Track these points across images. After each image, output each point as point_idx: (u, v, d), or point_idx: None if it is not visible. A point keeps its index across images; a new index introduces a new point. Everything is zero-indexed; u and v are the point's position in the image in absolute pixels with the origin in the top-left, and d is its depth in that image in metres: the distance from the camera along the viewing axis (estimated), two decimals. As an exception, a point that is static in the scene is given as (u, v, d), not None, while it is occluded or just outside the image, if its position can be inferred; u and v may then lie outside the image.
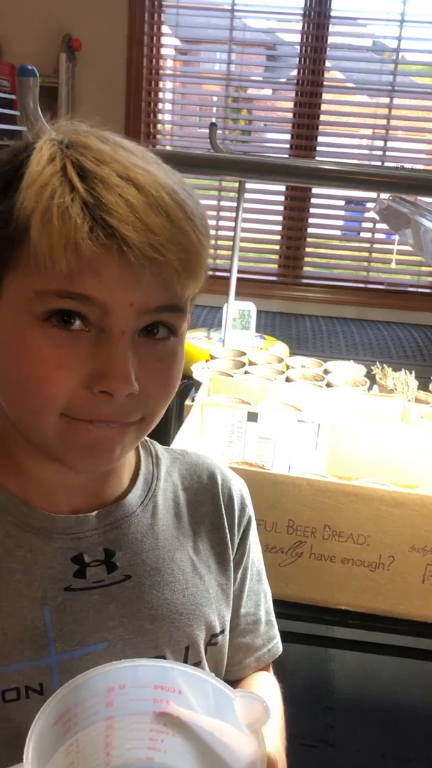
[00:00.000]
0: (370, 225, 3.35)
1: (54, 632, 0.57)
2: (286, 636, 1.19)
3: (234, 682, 0.72)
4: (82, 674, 0.45)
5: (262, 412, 1.35)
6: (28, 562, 0.58)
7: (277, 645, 0.76)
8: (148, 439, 0.68)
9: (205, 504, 0.69)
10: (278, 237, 3.39)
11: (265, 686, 0.73)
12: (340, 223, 3.51)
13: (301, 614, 1.13)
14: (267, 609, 0.76)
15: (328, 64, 3.18)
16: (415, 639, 1.12)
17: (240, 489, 0.73)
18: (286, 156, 3.28)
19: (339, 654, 1.76)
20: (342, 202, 3.41)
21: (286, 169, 1.19)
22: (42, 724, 0.41)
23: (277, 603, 1.14)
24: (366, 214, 3.33)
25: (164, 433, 2.24)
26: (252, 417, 1.35)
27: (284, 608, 1.14)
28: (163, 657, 0.61)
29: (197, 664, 0.64)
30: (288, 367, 1.88)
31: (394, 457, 1.32)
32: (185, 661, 0.63)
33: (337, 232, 3.48)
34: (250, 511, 0.73)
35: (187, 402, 1.74)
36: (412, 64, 3.30)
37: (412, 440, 1.33)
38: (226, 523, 0.69)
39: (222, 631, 0.67)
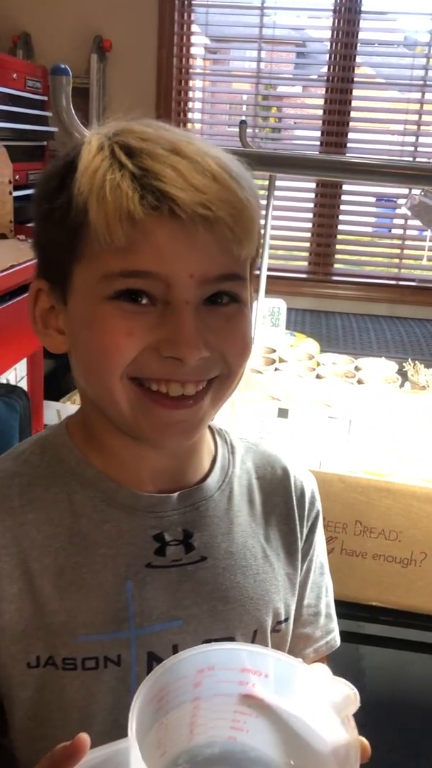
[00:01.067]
0: (401, 221, 3.32)
1: (135, 607, 0.59)
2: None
3: None
4: (174, 656, 0.46)
5: (292, 408, 1.35)
6: (114, 536, 0.61)
7: (335, 638, 0.77)
8: (222, 428, 0.71)
9: (278, 495, 0.70)
10: (309, 234, 3.37)
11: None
12: (371, 219, 3.47)
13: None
14: (327, 602, 0.77)
15: (358, 60, 3.16)
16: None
17: (311, 485, 0.74)
18: (316, 153, 3.26)
19: (370, 651, 1.74)
20: (373, 199, 3.38)
21: (312, 162, 1.19)
22: (140, 703, 0.42)
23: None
24: (397, 210, 3.30)
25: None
26: (282, 413, 1.35)
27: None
28: (233, 639, 0.63)
29: None
30: (318, 364, 1.87)
31: (426, 454, 1.30)
32: None
33: (368, 229, 3.45)
34: (319, 506, 0.75)
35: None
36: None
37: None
38: (297, 516, 0.70)
39: (286, 619, 0.68)
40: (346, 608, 1.12)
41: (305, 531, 0.72)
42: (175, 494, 0.63)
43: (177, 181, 0.51)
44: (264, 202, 2.28)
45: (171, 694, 0.45)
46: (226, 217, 0.52)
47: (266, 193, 2.08)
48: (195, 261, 0.53)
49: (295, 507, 0.71)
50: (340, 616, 1.15)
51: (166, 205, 0.50)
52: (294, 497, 0.71)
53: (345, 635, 1.10)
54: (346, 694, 0.45)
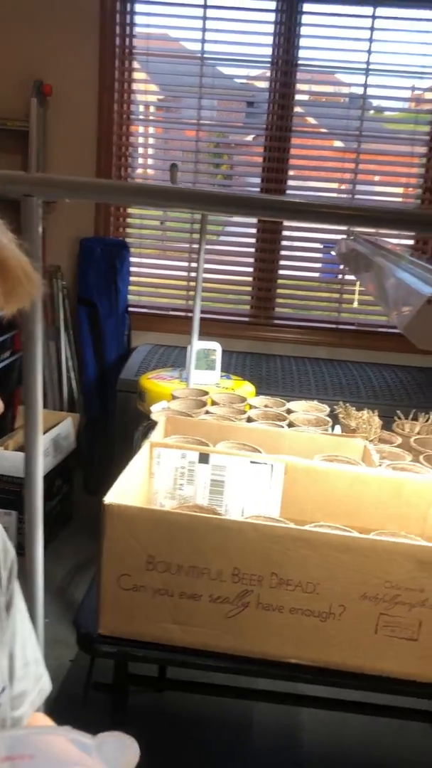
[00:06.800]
0: (340, 266, 3.36)
1: None
2: (246, 693, 1.12)
3: None
4: None
5: (213, 453, 1.30)
6: None
7: (46, 682, 0.72)
8: None
9: None
10: (250, 278, 3.39)
11: None
12: (312, 264, 3.51)
13: (248, 668, 1.07)
14: (33, 647, 0.72)
15: (296, 110, 3.23)
16: (371, 694, 1.05)
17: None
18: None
19: (289, 710, 1.67)
20: (313, 244, 3.43)
21: (237, 201, 1.17)
22: None
23: (225, 657, 1.07)
24: (333, 253, 3.35)
25: (109, 476, 2.19)
26: (204, 458, 1.30)
27: (232, 662, 1.07)
28: None
29: None
30: (250, 407, 1.83)
31: (352, 500, 1.27)
32: None
33: (309, 274, 3.48)
34: (12, 550, 0.71)
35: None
36: (378, 110, 3.36)
37: (372, 482, 1.28)
38: None
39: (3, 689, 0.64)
40: (261, 666, 1.06)
41: (4, 582, 0.68)
42: None
43: None
44: (206, 246, 2.27)
45: None
46: None
47: (210, 238, 2.08)
48: None
49: None
50: (257, 674, 1.08)
51: None
52: None
53: (275, 695, 1.02)
54: (127, 749, 0.40)
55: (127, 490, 1.14)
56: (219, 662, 1.07)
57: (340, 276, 3.39)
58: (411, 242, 3.21)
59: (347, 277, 3.31)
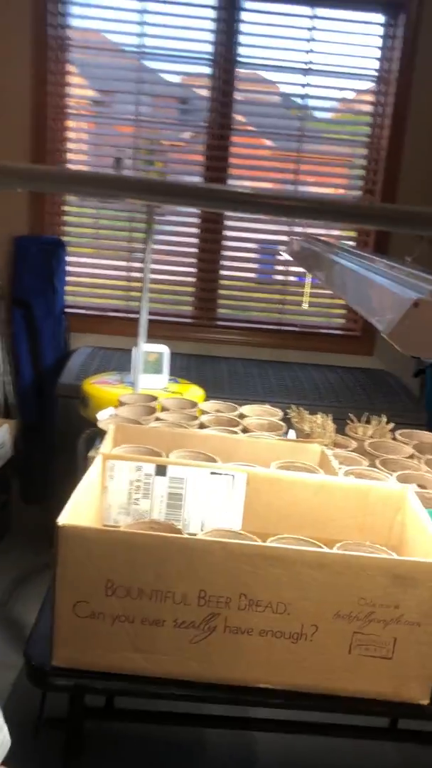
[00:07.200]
0: (282, 268, 3.34)
1: None
2: (200, 719, 1.05)
3: None
4: None
5: (171, 464, 1.23)
6: None
7: (6, 736, 0.65)
8: None
9: None
10: (193, 279, 3.32)
11: None
12: (254, 266, 3.48)
13: (216, 696, 1.00)
14: None
15: (236, 108, 3.19)
16: (345, 716, 1.00)
17: None
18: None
19: (263, 735, 1.61)
20: (254, 245, 3.39)
21: (181, 190, 1.10)
22: None
23: (189, 685, 1.01)
24: (278, 257, 3.32)
25: (48, 484, 2.08)
26: (161, 470, 1.22)
27: (197, 690, 1.00)
28: None
29: None
30: (202, 412, 1.77)
31: (316, 510, 1.22)
32: None
33: (251, 275, 3.45)
34: None
35: (92, 453, 1.59)
36: (318, 111, 3.35)
37: (337, 491, 1.23)
38: None
39: None
40: (232, 692, 1.00)
41: None
42: None
43: None
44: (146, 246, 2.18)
45: None
46: None
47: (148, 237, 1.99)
48: None
49: None
50: (225, 701, 1.02)
51: None
52: None
53: (234, 721, 0.96)
54: None
55: (81, 509, 1.05)
56: (184, 690, 1.00)
57: (281, 277, 3.37)
58: (352, 242, 3.22)
59: (290, 278, 3.29)
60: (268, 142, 3.40)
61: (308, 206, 1.03)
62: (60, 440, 2.48)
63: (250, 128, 3.36)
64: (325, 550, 1.00)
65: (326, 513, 1.22)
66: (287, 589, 0.96)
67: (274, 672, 0.99)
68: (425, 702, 0.99)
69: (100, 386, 2.16)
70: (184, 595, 0.96)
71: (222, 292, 3.34)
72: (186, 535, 1.06)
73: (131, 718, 1.00)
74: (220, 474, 1.22)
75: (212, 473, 1.22)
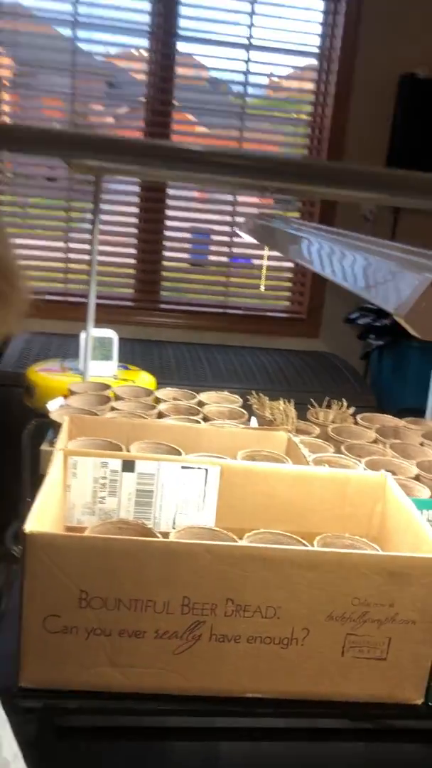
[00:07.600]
0: (225, 249, 3.27)
1: None
2: (186, 733, 0.98)
3: None
4: None
5: (139, 459, 1.14)
6: None
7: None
8: None
9: None
10: (133, 261, 3.20)
11: None
12: (197, 247, 3.39)
13: (201, 708, 0.93)
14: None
15: (176, 84, 3.07)
16: (339, 721, 0.95)
17: None
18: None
19: (249, 747, 1.55)
20: (197, 225, 3.30)
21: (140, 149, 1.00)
22: None
23: (171, 699, 0.93)
24: (221, 237, 3.24)
25: (15, 484, 1.95)
26: (128, 466, 1.13)
27: (179, 704, 0.93)
28: None
29: None
30: (158, 401, 1.68)
31: (293, 503, 1.16)
32: None
33: (193, 256, 3.36)
34: None
35: (44, 447, 1.48)
36: (259, 87, 3.28)
37: (314, 481, 1.17)
38: None
39: None
40: (216, 704, 0.93)
41: None
42: None
43: None
44: (83, 226, 2.07)
45: None
46: None
47: (90, 218, 1.87)
48: None
49: None
50: (205, 714, 0.95)
51: None
52: None
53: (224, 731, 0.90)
54: None
55: (46, 513, 0.95)
56: (165, 705, 0.92)
57: (225, 259, 3.29)
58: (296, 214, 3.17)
59: (236, 260, 3.22)
60: (208, 120, 3.30)
61: (261, 165, 0.95)
62: (0, 432, 2.34)
63: (190, 105, 3.26)
64: (317, 548, 0.94)
65: (304, 505, 1.16)
66: (277, 591, 0.89)
67: (262, 680, 0.92)
68: (420, 702, 0.95)
69: (45, 374, 2.04)
70: (165, 603, 0.88)
71: (165, 273, 3.24)
72: (159, 535, 0.98)
73: (110, 736, 0.92)
74: (192, 468, 1.14)
75: (183, 467, 1.14)
